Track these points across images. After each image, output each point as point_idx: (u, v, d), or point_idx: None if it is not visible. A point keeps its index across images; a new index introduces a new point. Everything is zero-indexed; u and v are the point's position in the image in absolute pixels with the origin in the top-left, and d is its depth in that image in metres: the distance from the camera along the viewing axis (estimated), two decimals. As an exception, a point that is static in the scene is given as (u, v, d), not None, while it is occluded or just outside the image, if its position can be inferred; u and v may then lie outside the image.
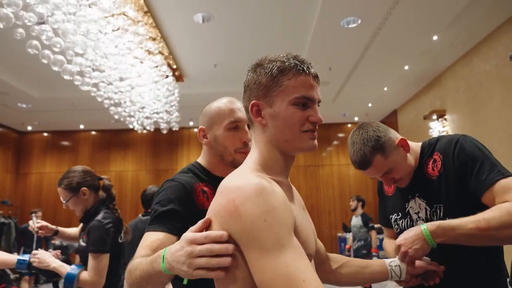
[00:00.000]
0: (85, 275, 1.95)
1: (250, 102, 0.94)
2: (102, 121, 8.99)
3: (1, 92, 6.95)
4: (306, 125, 0.91)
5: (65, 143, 9.97)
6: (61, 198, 2.11)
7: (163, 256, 0.89)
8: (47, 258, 1.98)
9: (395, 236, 1.58)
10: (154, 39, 5.16)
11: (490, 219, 1.15)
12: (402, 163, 1.38)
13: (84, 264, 2.03)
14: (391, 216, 1.55)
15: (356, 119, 9.76)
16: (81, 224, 2.22)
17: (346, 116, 9.40)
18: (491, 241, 1.20)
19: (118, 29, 4.16)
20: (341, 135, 10.07)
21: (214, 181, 1.32)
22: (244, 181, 0.79)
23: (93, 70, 4.37)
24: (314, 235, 0.94)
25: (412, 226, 1.41)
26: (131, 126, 6.55)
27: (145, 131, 7.02)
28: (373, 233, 5.71)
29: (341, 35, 5.17)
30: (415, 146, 1.47)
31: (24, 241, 5.82)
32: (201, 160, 1.44)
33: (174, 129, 7.09)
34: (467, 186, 1.28)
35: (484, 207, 1.22)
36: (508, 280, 1.34)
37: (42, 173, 9.62)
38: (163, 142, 9.79)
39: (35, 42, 3.38)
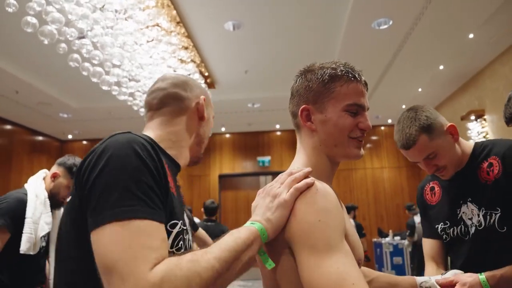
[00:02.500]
0: None
1: (299, 107, 0.94)
2: (137, 129, 9.17)
3: (44, 103, 7.33)
4: (355, 131, 0.92)
5: (103, 150, 10.35)
6: None
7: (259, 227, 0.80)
8: None
9: (439, 248, 1.49)
10: (186, 48, 5.30)
11: None
12: (448, 150, 1.33)
13: None
14: (437, 225, 1.46)
15: (389, 121, 9.57)
16: None
17: (379, 119, 9.23)
18: None
19: (152, 40, 4.31)
20: (374, 138, 9.90)
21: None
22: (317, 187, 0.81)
23: (129, 80, 4.55)
24: (359, 241, 0.95)
25: (467, 232, 1.35)
26: (165, 133, 6.72)
27: (178, 138, 7.20)
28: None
29: (372, 36, 5.11)
30: (467, 144, 1.42)
31: None
32: None
33: (206, 135, 7.21)
34: None
35: None
36: None
37: (82, 180, 10.01)
38: (196, 148, 9.95)
39: (76, 55, 3.57)
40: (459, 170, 1.40)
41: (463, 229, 1.37)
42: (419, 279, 1.25)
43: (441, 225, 1.44)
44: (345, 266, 0.71)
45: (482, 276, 1.19)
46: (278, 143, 10.00)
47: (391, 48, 5.53)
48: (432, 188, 1.53)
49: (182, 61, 5.24)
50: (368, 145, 9.91)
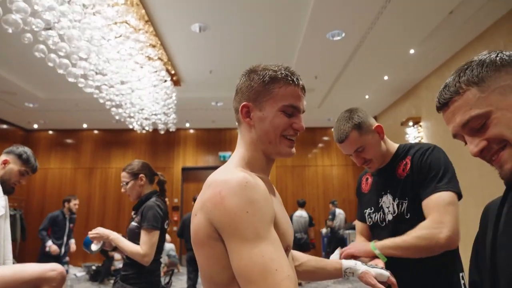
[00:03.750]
0: (137, 248, 2.05)
1: (240, 103, 0.95)
2: (104, 121, 8.91)
3: (9, 92, 6.86)
4: (288, 130, 0.93)
5: (69, 141, 9.87)
6: (122, 181, 2.28)
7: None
8: (103, 230, 2.12)
9: (366, 231, 1.63)
10: (154, 46, 5.14)
11: (409, 233, 1.28)
12: (374, 146, 1.45)
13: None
14: (365, 210, 1.60)
15: (339, 124, 9.81)
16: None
17: (330, 121, 9.45)
18: (419, 253, 1.28)
19: (120, 36, 4.14)
20: (325, 138, 10.12)
21: None
22: (230, 175, 0.80)
23: (96, 73, 4.35)
24: (290, 228, 0.95)
25: (384, 218, 1.49)
26: (131, 127, 6.50)
27: (144, 131, 6.98)
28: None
29: (326, 46, 5.21)
30: (392, 145, 1.54)
31: (53, 229, 5.49)
32: None
33: (171, 130, 7.05)
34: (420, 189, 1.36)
35: None
36: (461, 274, 1.38)
37: (47, 168, 9.50)
38: (160, 142, 9.74)
39: (42, 46, 3.35)
40: (383, 166, 1.52)
41: (381, 216, 1.50)
42: (345, 263, 1.29)
43: (368, 210, 1.58)
44: (270, 254, 0.71)
45: (372, 243, 1.36)
46: (238, 139, 9.97)
47: (343, 58, 5.67)
48: (367, 179, 1.67)
49: (149, 58, 5.08)
50: (319, 145, 10.12)
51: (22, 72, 6.17)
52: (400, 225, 1.39)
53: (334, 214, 8.06)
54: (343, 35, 4.87)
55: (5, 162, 2.10)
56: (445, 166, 1.34)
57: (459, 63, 4.44)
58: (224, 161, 9.72)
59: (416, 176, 1.38)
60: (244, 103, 0.94)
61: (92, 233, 2.12)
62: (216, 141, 9.94)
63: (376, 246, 1.34)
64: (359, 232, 1.68)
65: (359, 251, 1.38)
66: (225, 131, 9.98)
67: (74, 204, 5.63)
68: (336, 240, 7.83)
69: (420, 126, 6.81)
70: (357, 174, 9.88)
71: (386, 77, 6.50)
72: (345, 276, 1.28)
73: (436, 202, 1.27)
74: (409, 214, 1.38)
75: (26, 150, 2.18)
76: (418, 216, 1.33)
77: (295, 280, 0.72)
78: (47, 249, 5.17)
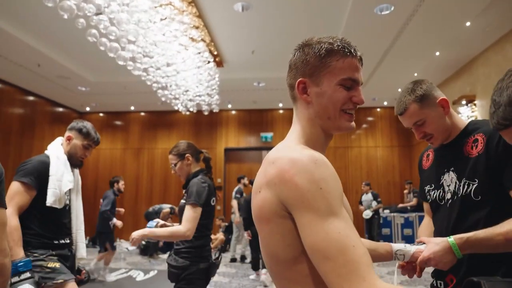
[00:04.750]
0: (175, 228, 2.14)
1: (296, 80, 0.92)
2: (150, 103, 9.24)
3: (64, 77, 7.28)
4: (348, 104, 0.90)
5: (118, 122, 10.36)
6: (171, 164, 2.38)
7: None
8: (137, 234, 2.10)
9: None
10: (197, 28, 5.20)
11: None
12: (436, 120, 1.37)
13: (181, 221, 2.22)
14: (425, 187, 1.52)
15: (385, 103, 9.47)
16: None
17: (375, 101, 9.14)
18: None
19: (166, 18, 4.22)
20: (370, 118, 9.83)
21: None
22: (298, 153, 0.79)
23: (144, 56, 4.49)
24: (349, 209, 0.94)
25: (443, 197, 1.40)
26: (176, 108, 6.70)
27: (188, 113, 7.16)
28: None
29: (374, 21, 4.99)
30: (460, 120, 1.43)
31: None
32: None
33: (214, 111, 7.19)
34: (501, 173, 1.21)
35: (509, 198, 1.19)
36: None
37: (98, 149, 10.07)
38: (204, 123, 9.95)
39: (94, 31, 3.50)
40: (449, 142, 1.42)
41: (441, 194, 1.42)
42: (395, 246, 1.26)
43: (428, 187, 1.50)
44: (345, 230, 0.71)
45: (451, 239, 1.18)
46: (280, 120, 9.96)
47: (391, 34, 5.41)
48: (428, 155, 1.58)
49: (193, 39, 5.15)
50: (364, 126, 9.85)
51: (75, 57, 6.51)
52: (466, 206, 1.30)
53: (376, 196, 8.08)
54: (392, 8, 4.63)
55: (69, 138, 2.24)
56: None
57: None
58: (265, 142, 9.77)
59: (495, 158, 1.23)
60: (300, 79, 0.91)
61: (133, 240, 2.07)
62: (258, 121, 9.98)
63: (457, 242, 1.17)
64: (426, 212, 1.62)
65: (436, 253, 1.18)
66: (266, 111, 9.98)
67: (122, 184, 6.05)
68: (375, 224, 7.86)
69: (475, 105, 6.40)
70: (402, 155, 9.55)
71: (437, 53, 6.14)
72: (395, 258, 1.25)
73: None
74: (479, 197, 1.26)
75: (86, 124, 2.29)
76: (490, 201, 1.23)
77: (370, 257, 0.71)
78: (112, 225, 5.65)
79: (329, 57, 0.89)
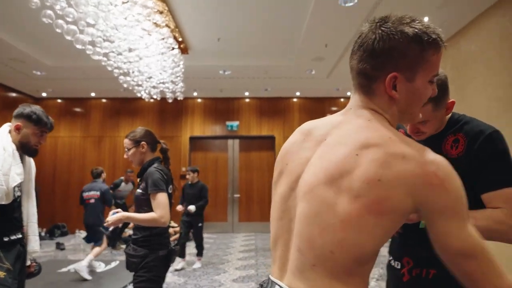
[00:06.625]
0: (150, 214, 2.12)
1: (384, 71, 0.81)
2: (112, 90, 8.91)
3: (18, 60, 6.85)
4: (426, 100, 0.88)
5: (77, 109, 9.92)
6: (125, 148, 2.37)
7: None
8: (117, 217, 2.18)
9: None
10: (161, 12, 5.05)
11: (478, 219, 1.17)
12: (437, 121, 1.34)
13: (138, 211, 2.23)
14: None
15: (348, 93, 9.70)
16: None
17: (339, 91, 9.34)
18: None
19: (128, 1, 4.06)
20: (334, 108, 10.05)
21: None
22: (434, 155, 0.77)
23: (104, 40, 4.30)
24: None
25: None
26: (139, 95, 6.51)
27: (152, 100, 6.99)
28: None
29: (338, 13, 5.06)
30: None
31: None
32: None
33: (179, 98, 7.05)
34: (477, 178, 1.24)
35: (477, 202, 1.23)
36: None
37: (56, 137, 9.63)
38: (168, 110, 9.76)
39: (49, 11, 3.31)
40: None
41: None
42: None
43: None
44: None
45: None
46: (246, 109, 9.96)
47: (355, 26, 5.52)
48: None
49: (157, 25, 5.00)
50: (328, 115, 10.04)
51: (30, 39, 6.13)
52: None
53: None
54: (356, 1, 4.72)
55: (18, 128, 2.06)
56: (509, 157, 1.24)
57: (472, 32, 4.38)
58: (231, 130, 9.76)
59: (473, 160, 1.24)
60: (394, 73, 0.80)
61: (109, 222, 2.14)
62: (224, 110, 9.93)
63: None
64: None
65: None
66: (233, 100, 9.94)
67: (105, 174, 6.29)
68: None
69: (431, 96, 6.71)
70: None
71: (398, 46, 6.34)
72: None
73: (506, 199, 1.18)
74: None
75: (35, 110, 2.10)
76: None
77: None
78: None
79: (430, 50, 0.81)
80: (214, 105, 9.95)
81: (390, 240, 1.55)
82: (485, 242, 0.77)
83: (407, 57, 0.79)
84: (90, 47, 4.06)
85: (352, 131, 0.81)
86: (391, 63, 0.79)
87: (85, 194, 5.77)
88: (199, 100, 9.99)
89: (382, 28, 0.80)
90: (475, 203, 1.24)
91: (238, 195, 9.81)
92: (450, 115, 1.39)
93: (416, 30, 0.79)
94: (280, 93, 9.62)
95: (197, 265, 5.85)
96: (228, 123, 9.81)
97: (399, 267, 1.43)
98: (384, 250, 1.43)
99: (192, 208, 5.71)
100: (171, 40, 5.21)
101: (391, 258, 1.50)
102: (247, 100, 9.99)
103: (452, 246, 0.75)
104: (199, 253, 5.96)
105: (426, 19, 5.16)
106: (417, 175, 0.73)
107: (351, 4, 4.79)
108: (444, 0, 4.74)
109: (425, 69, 0.81)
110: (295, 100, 9.96)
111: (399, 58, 0.79)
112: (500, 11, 4.78)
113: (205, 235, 8.61)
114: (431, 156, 0.76)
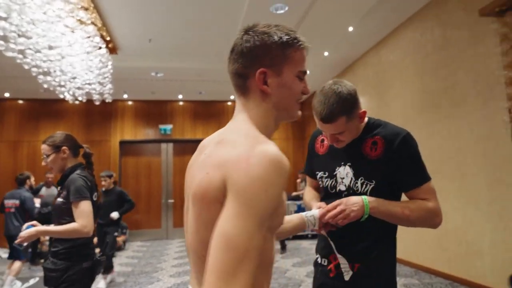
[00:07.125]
0: (71, 225, 1.96)
1: (253, 69, 0.89)
2: (30, 90, 8.15)
3: None
4: (299, 95, 0.94)
5: (-12, 111, 8.92)
6: (43, 155, 2.16)
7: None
8: (30, 231, 2.03)
9: (318, 186, 1.67)
10: (86, 9, 4.75)
11: (413, 210, 1.34)
12: (353, 131, 1.42)
13: (59, 222, 2.05)
14: (317, 172, 1.58)
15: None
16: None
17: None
18: (405, 224, 1.38)
19: (47, -5, 3.76)
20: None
21: None
22: (264, 146, 0.75)
23: (19, 36, 3.92)
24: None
25: (335, 186, 1.49)
26: (62, 96, 6.04)
27: (77, 102, 6.52)
28: None
29: (270, 19, 5.15)
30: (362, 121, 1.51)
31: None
32: None
33: (107, 100, 6.67)
34: (397, 177, 1.39)
35: (396, 196, 1.43)
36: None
37: (-38, 141, 8.55)
38: (96, 113, 9.18)
39: (-50, 1, 2.94)
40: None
41: (333, 183, 1.50)
42: (303, 213, 1.39)
43: (321, 173, 1.56)
44: (257, 242, 0.71)
45: (365, 197, 1.35)
46: (180, 112, 9.76)
47: (286, 32, 5.69)
48: (322, 140, 1.61)
49: (81, 22, 4.68)
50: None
51: None
52: None
53: None
54: (286, 8, 4.89)
55: None
56: (420, 156, 1.41)
57: (392, 42, 4.76)
58: (165, 134, 9.50)
59: (393, 162, 1.37)
60: (262, 69, 0.88)
61: (22, 237, 1.97)
62: (156, 113, 9.62)
63: (369, 201, 1.34)
64: (310, 183, 1.73)
65: (348, 200, 1.36)
66: (166, 103, 9.68)
67: (33, 180, 5.85)
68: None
69: (356, 102, 7.16)
70: (297, 147, 10.22)
71: (326, 53, 6.69)
72: (308, 224, 1.37)
73: (427, 192, 1.38)
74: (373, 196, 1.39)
75: None
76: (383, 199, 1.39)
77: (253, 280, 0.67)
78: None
79: (290, 48, 0.90)
80: (146, 108, 9.60)
81: (317, 239, 1.63)
82: (254, 259, 0.67)
83: (271, 55, 0.89)
84: (2, 42, 3.68)
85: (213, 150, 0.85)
86: (258, 60, 0.89)
87: (6, 202, 5.35)
88: (129, 102, 9.56)
89: (249, 33, 0.92)
90: (394, 197, 1.42)
91: (172, 201, 9.55)
92: (366, 120, 1.51)
93: (278, 32, 0.90)
94: (215, 97, 9.59)
95: (102, 285, 4.94)
96: (161, 126, 9.53)
97: (326, 263, 1.50)
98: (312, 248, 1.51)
99: (115, 215, 5.33)
100: (98, 38, 4.92)
101: (318, 256, 1.57)
102: (181, 103, 9.80)
103: (218, 224, 0.70)
104: (106, 270, 5.10)
105: (350, 29, 5.52)
106: (234, 160, 0.75)
107: (282, 11, 4.96)
108: (363, 15, 5.10)
109: (289, 64, 0.90)
110: (229, 103, 10.00)
111: (264, 56, 0.88)
112: (412, 25, 5.28)
113: (137, 243, 8.29)
114: (261, 146, 0.76)
